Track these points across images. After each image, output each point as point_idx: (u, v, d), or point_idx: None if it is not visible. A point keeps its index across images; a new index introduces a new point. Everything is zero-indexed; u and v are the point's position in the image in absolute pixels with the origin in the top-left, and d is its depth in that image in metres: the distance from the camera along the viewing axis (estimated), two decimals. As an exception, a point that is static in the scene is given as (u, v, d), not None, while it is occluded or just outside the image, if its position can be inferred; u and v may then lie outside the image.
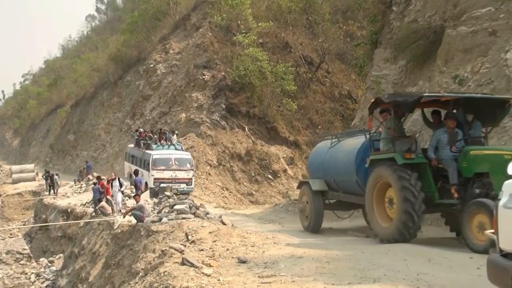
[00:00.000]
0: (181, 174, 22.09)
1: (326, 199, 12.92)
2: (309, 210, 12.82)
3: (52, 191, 29.07)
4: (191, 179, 22.49)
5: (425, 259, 7.53)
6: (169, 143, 24.43)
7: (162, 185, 19.83)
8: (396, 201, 9.33)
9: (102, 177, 20.15)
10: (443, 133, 9.52)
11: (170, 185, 19.64)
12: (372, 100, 10.82)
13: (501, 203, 4.40)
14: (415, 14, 16.42)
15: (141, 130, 28.35)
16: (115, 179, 17.70)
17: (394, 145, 9.80)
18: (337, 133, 15.02)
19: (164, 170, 21.84)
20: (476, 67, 12.50)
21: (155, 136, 25.26)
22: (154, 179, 21.35)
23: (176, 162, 22.33)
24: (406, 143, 9.98)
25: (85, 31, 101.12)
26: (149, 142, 24.42)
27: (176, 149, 24.14)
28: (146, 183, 21.54)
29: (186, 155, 23.54)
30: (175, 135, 25.46)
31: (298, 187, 14.23)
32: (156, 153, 22.64)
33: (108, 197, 17.68)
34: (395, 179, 9.27)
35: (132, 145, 27.68)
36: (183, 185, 21.54)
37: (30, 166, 46.90)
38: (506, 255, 4.25)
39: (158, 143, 24.21)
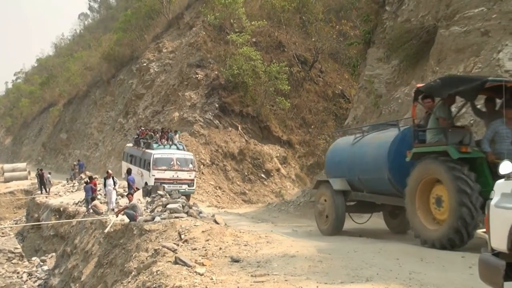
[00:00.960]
0: (183, 175, 21.42)
1: (347, 200, 11.90)
2: (329, 212, 11.75)
3: (44, 190, 28.97)
4: (193, 180, 21.84)
5: (417, 258, 7.55)
6: (170, 143, 23.74)
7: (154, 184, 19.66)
8: (449, 199, 8.25)
9: (94, 176, 20.02)
10: (501, 124, 8.32)
11: (171, 186, 19.44)
12: (418, 86, 9.72)
13: (492, 202, 4.44)
14: (408, 14, 16.47)
15: (143, 128, 27.93)
16: (109, 177, 17.63)
17: (447, 137, 8.69)
18: (362, 126, 13.81)
19: (165, 170, 21.13)
20: (468, 67, 12.50)
21: (157, 135, 24.65)
22: (155, 179, 20.59)
23: (178, 162, 21.58)
24: (458, 134, 8.82)
25: (78, 29, 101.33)
26: (149, 141, 23.73)
27: (177, 149, 23.43)
28: (146, 183, 21.03)
29: (188, 155, 22.90)
30: (177, 135, 24.87)
31: (315, 187, 13.12)
32: (157, 153, 21.89)
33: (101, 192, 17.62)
34: (449, 175, 8.21)
35: (130, 144, 26.99)
36: (184, 186, 21.06)
37: (22, 165, 46.73)
38: (497, 254, 4.28)
39: (159, 142, 23.53)
